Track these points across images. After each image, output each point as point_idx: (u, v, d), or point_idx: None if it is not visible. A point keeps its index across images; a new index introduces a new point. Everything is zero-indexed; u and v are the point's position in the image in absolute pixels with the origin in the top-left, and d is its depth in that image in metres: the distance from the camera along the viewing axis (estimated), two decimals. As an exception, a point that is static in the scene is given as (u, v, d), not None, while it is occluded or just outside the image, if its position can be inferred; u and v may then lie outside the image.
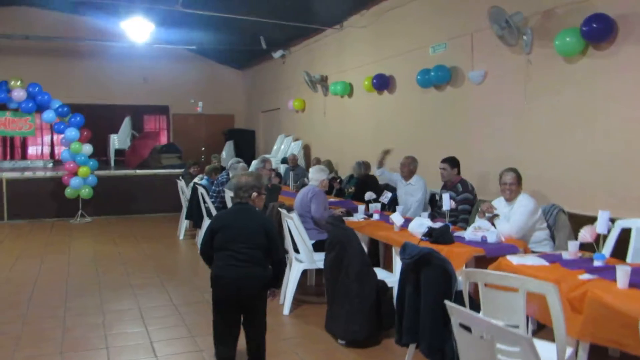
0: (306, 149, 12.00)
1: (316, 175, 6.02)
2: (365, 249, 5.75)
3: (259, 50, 12.99)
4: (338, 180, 9.00)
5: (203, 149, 16.05)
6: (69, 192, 10.76)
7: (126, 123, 14.29)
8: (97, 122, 14.33)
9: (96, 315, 5.18)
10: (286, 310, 5.20)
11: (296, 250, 5.34)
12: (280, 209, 5.35)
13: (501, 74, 6.48)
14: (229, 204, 7.29)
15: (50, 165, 13.97)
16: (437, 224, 4.90)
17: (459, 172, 6.13)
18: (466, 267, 4.25)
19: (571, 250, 3.80)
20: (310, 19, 10.38)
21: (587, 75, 5.37)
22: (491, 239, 4.44)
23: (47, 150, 15.27)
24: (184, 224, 9.27)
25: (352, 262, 4.38)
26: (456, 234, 4.78)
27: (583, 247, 3.86)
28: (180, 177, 10.14)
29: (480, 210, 4.97)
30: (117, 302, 5.64)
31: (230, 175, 7.93)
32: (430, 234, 4.53)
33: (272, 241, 3.60)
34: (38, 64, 13.79)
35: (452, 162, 6.10)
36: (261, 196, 3.71)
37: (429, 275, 3.37)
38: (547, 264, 3.62)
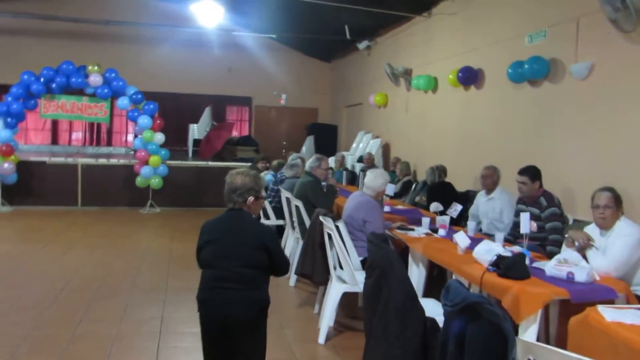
0: (385, 148, 11.04)
1: (373, 183, 4.92)
2: (424, 272, 4.82)
3: (344, 42, 12.23)
4: (413, 186, 8.04)
5: (284, 142, 15.50)
6: (139, 181, 10.56)
7: (206, 113, 13.99)
8: (179, 111, 14.26)
9: (113, 324, 4.63)
10: (321, 339, 4.38)
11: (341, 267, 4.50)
12: (322, 218, 4.49)
13: (612, 67, 5.29)
14: (285, 207, 6.57)
15: (132, 153, 13.99)
16: (512, 250, 3.90)
17: (541, 185, 4.99)
18: (544, 313, 3.25)
19: (693, 308, 2.71)
20: (398, 7, 9.48)
21: None
22: (580, 276, 3.37)
23: (130, 137, 15.30)
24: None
25: (393, 293, 3.47)
26: (536, 264, 3.76)
27: None
28: (246, 172, 9.53)
29: (567, 238, 3.87)
30: (142, 308, 5.09)
31: (285, 172, 7.29)
32: (499, 264, 3.53)
33: (273, 259, 2.92)
34: (117, 49, 13.71)
35: (534, 175, 4.92)
36: (259, 201, 3.00)
37: (476, 333, 2.42)
38: (655, 326, 2.57)
